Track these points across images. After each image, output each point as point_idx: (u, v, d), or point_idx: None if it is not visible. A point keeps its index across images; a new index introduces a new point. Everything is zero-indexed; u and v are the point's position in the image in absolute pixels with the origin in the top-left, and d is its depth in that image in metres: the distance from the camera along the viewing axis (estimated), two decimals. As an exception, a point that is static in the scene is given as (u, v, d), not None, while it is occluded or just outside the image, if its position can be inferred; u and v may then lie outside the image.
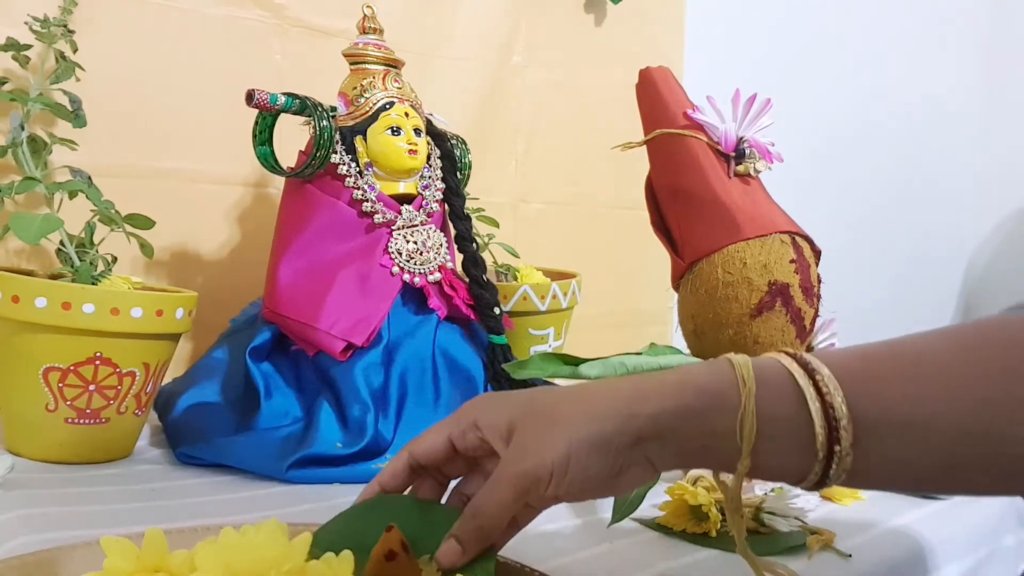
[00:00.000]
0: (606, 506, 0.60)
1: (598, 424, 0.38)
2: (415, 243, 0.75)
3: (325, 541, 0.39)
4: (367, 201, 0.74)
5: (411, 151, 0.75)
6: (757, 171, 0.68)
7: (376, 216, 0.74)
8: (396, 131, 0.74)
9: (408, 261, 0.74)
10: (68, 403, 0.64)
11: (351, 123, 0.75)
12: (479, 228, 0.95)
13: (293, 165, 0.76)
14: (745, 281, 0.64)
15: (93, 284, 0.66)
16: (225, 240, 0.95)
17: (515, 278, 1.00)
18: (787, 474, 0.38)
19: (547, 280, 0.99)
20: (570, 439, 0.38)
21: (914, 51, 2.07)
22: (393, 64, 0.77)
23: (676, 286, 0.70)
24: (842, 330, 0.69)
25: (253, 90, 0.72)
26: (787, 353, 0.39)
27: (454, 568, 0.40)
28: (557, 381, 0.87)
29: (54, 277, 0.68)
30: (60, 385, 0.63)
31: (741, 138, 0.67)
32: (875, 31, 1.97)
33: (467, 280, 0.79)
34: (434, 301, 0.75)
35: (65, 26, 0.75)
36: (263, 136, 0.77)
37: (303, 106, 0.74)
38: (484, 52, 1.19)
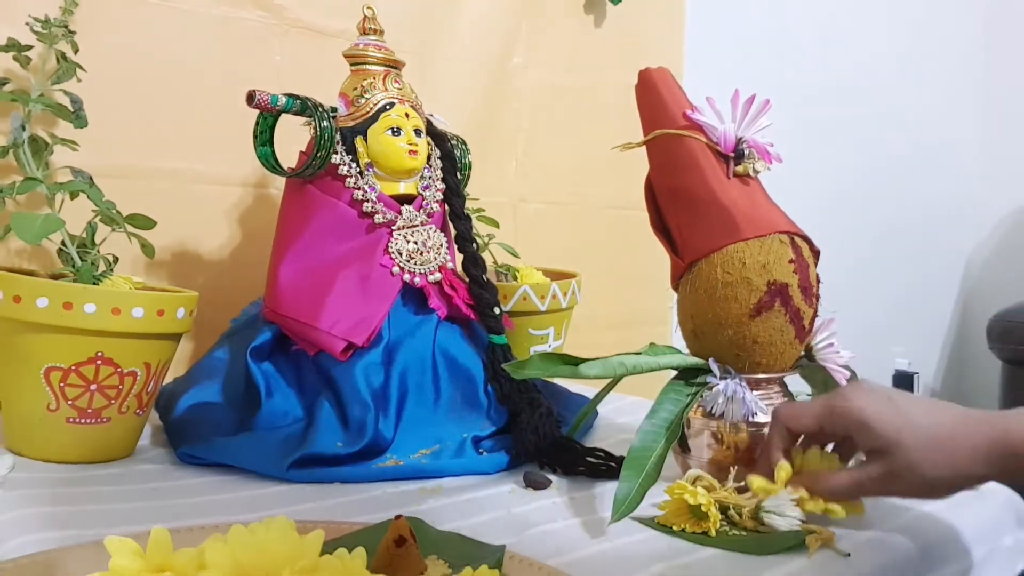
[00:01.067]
0: (606, 505, 0.60)
1: (970, 474, 0.53)
2: (415, 243, 0.75)
3: None
4: (367, 201, 0.74)
5: (411, 151, 0.75)
6: (756, 171, 0.68)
7: (376, 216, 0.74)
8: (396, 131, 0.74)
9: (408, 261, 0.74)
10: (69, 403, 0.64)
11: (351, 123, 0.75)
12: (479, 228, 0.95)
13: (294, 165, 0.77)
14: (744, 281, 0.64)
15: (94, 284, 0.67)
16: (226, 240, 0.95)
17: (515, 278, 1.00)
18: None
19: (547, 280, 0.99)
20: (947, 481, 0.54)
21: (914, 51, 2.08)
22: (393, 65, 0.78)
23: (676, 286, 0.70)
24: (841, 330, 0.69)
25: (254, 91, 0.72)
26: None
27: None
28: (558, 381, 0.88)
29: (55, 277, 0.68)
30: (61, 385, 0.64)
31: (740, 138, 0.67)
32: (875, 31, 1.97)
33: (467, 280, 0.79)
34: (434, 301, 0.75)
35: (66, 26, 0.75)
36: (264, 136, 0.77)
37: (303, 107, 0.74)
38: (484, 52, 1.19)
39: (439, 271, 0.76)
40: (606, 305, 1.32)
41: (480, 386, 0.75)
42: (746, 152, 0.67)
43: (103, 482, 0.62)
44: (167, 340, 0.68)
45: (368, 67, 0.77)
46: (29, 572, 0.42)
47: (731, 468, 0.64)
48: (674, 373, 0.68)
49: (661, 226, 0.71)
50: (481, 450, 0.71)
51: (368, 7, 0.78)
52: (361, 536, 0.46)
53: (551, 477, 0.68)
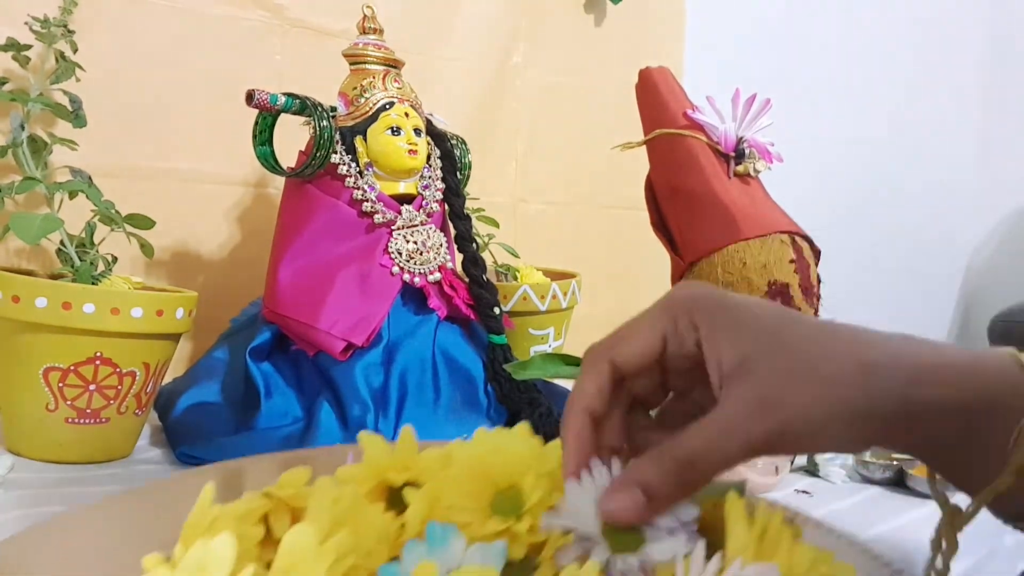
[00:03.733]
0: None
1: (868, 398, 0.31)
2: (415, 243, 0.75)
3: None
4: (367, 201, 0.74)
5: (411, 151, 0.75)
6: (757, 171, 0.68)
7: (376, 216, 0.74)
8: (396, 131, 0.74)
9: (408, 261, 0.74)
10: (68, 403, 0.64)
11: (351, 123, 0.75)
12: (479, 228, 0.95)
13: (293, 165, 0.76)
14: (745, 281, 0.64)
15: (93, 284, 0.66)
16: (225, 240, 0.95)
17: (515, 278, 1.00)
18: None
19: (547, 280, 0.99)
20: (832, 407, 0.30)
21: (915, 51, 2.07)
22: (393, 64, 0.77)
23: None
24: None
25: (253, 90, 0.72)
26: None
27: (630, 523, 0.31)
28: (558, 382, 0.88)
29: (54, 277, 0.68)
30: (60, 385, 0.63)
31: (741, 138, 0.67)
32: (876, 31, 1.97)
33: (467, 280, 0.79)
34: (434, 301, 0.75)
35: (65, 26, 0.75)
36: (263, 136, 0.77)
37: (303, 106, 0.74)
38: (484, 52, 1.19)
39: (439, 271, 0.76)
40: (606, 305, 1.32)
41: (480, 386, 0.75)
42: (747, 152, 0.67)
43: (102, 482, 0.62)
44: (166, 340, 0.68)
45: (368, 66, 0.76)
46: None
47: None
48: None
49: (662, 226, 0.71)
50: (481, 450, 0.71)
51: (368, 6, 0.78)
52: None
53: (551, 477, 0.68)
